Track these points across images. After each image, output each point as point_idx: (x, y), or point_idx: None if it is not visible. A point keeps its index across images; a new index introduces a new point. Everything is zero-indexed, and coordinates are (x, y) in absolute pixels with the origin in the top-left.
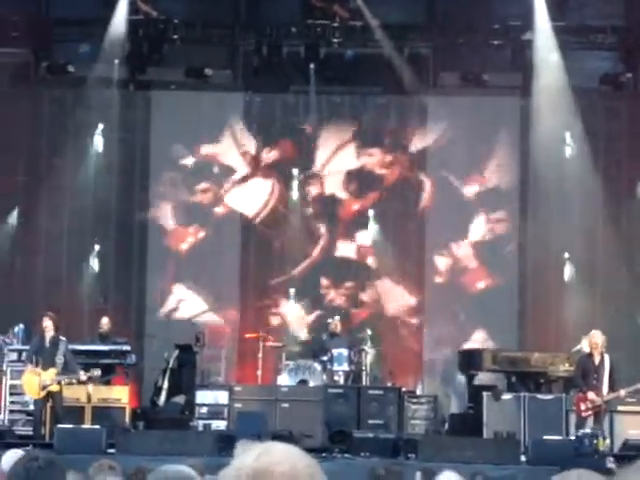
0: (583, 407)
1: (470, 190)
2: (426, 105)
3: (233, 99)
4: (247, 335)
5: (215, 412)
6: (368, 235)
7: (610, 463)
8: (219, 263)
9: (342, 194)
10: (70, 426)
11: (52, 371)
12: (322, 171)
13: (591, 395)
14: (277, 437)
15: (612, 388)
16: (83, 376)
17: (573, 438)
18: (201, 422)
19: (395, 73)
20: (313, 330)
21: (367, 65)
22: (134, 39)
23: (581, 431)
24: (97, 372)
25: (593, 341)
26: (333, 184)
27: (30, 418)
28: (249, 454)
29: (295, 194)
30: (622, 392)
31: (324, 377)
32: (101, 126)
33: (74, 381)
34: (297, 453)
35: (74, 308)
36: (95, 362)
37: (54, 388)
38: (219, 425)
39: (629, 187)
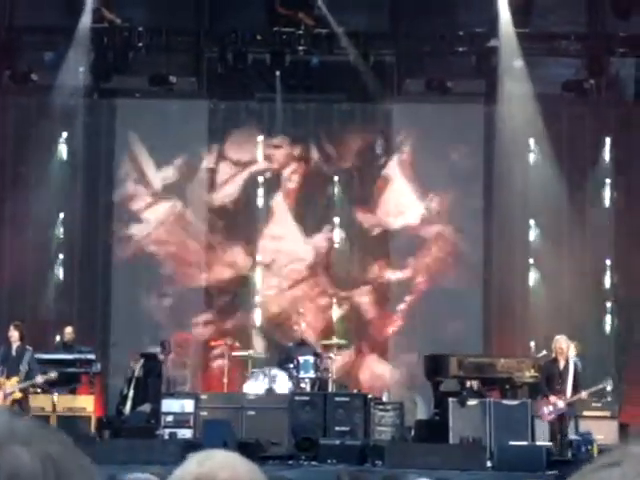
0: (546, 411)
1: (432, 195)
2: (390, 112)
3: (198, 106)
4: (212, 343)
5: (181, 420)
6: None
7: None
8: (184, 269)
9: None
10: None
11: (14, 379)
12: None
13: (553, 399)
14: (243, 445)
15: (576, 392)
16: (40, 378)
17: (548, 444)
18: (167, 431)
19: (360, 80)
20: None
21: (332, 73)
22: (98, 47)
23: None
24: (54, 374)
25: (558, 346)
26: None
27: None
28: (191, 461)
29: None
30: (583, 394)
31: (290, 384)
32: (65, 134)
33: (39, 390)
34: (239, 459)
35: (38, 317)
36: (60, 371)
37: (17, 396)
38: (185, 434)
39: (593, 193)
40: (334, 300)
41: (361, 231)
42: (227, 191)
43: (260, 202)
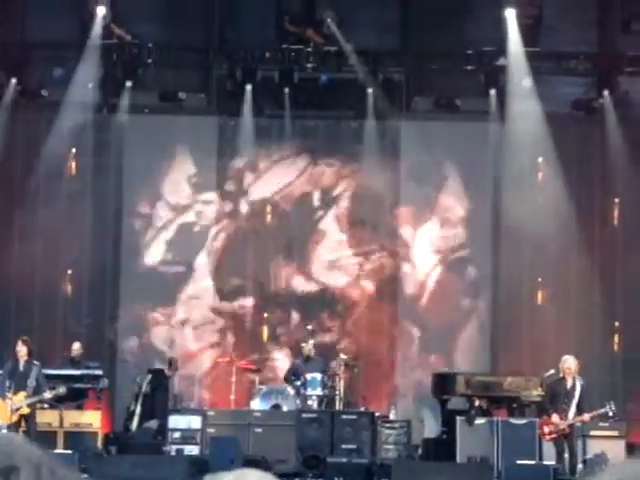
0: (547, 430)
1: (442, 214)
2: (399, 130)
3: (207, 123)
4: (219, 359)
5: (188, 437)
6: None
7: None
8: (193, 286)
9: None
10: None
11: (22, 394)
12: None
13: (555, 418)
14: (250, 462)
15: (580, 412)
16: (48, 394)
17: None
18: (174, 447)
19: (369, 98)
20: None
21: (341, 90)
22: (108, 63)
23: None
24: (62, 389)
25: (565, 366)
26: None
27: None
28: None
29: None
30: (586, 416)
31: (297, 402)
32: (74, 150)
33: (46, 406)
34: None
35: (46, 333)
36: (67, 386)
37: (24, 411)
38: (192, 450)
39: (601, 212)
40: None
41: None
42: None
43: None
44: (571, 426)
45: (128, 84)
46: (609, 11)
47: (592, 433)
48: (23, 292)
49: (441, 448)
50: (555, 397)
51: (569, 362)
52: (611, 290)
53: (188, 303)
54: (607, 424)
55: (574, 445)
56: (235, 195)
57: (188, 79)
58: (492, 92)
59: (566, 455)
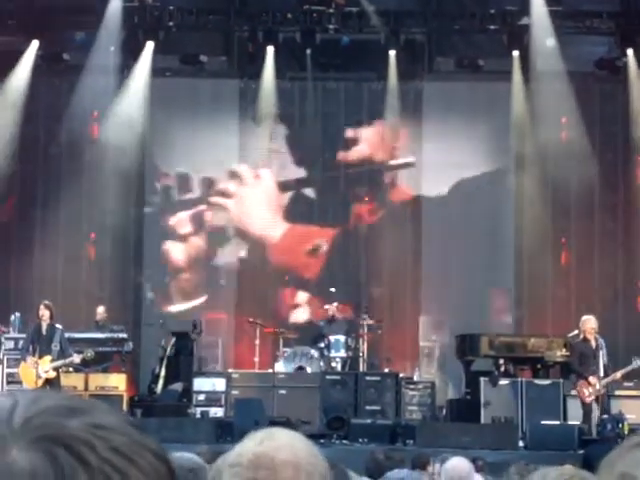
0: (587, 392)
1: (467, 173)
2: (421, 91)
3: (228, 85)
4: (244, 322)
5: (213, 399)
6: None
7: None
8: (217, 249)
9: None
10: None
11: (47, 358)
12: None
13: (593, 380)
14: (274, 424)
15: (606, 372)
16: (77, 358)
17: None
18: (199, 409)
19: (390, 59)
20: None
21: (363, 51)
22: (129, 26)
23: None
24: (90, 353)
25: (588, 326)
26: None
27: None
28: (252, 439)
29: None
30: (618, 374)
31: (321, 363)
32: (96, 113)
33: (71, 370)
34: (300, 441)
35: (70, 297)
36: (92, 350)
37: (50, 375)
38: (217, 412)
39: (625, 171)
40: None
41: None
42: None
43: None
44: (605, 386)
45: (149, 47)
46: None
47: (616, 393)
48: (47, 257)
49: (465, 409)
50: (583, 358)
51: (592, 322)
52: (635, 249)
53: (212, 266)
54: (631, 384)
55: (605, 404)
56: None
57: (209, 42)
58: (515, 52)
59: (594, 415)
